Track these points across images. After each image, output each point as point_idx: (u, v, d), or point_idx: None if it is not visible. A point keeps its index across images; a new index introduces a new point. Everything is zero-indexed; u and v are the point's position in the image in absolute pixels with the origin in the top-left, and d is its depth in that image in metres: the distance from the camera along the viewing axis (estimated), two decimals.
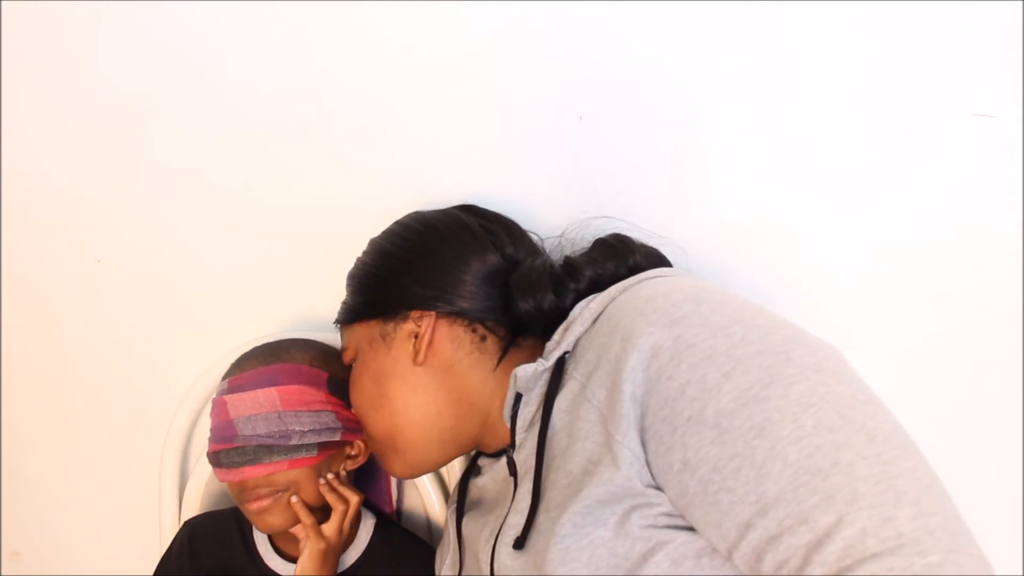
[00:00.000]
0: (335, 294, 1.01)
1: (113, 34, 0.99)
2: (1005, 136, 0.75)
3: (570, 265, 0.74)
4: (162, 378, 1.11)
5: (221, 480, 0.84)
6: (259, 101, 0.96)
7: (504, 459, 0.76)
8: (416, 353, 0.74)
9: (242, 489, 0.83)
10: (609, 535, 0.57)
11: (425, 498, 0.99)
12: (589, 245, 0.79)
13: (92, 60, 1.01)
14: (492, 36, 0.86)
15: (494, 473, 0.78)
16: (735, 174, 0.83)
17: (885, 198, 0.79)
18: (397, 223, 0.82)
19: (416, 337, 0.74)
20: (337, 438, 0.85)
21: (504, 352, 0.74)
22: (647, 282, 0.65)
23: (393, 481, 1.00)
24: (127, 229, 1.07)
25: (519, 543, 0.64)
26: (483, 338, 0.75)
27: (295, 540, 0.88)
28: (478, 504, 0.80)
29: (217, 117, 0.98)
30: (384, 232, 0.82)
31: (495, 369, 0.74)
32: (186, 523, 0.95)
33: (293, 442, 0.82)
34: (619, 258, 0.74)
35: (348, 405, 0.86)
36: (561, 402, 0.65)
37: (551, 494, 0.63)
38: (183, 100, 0.99)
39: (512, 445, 0.71)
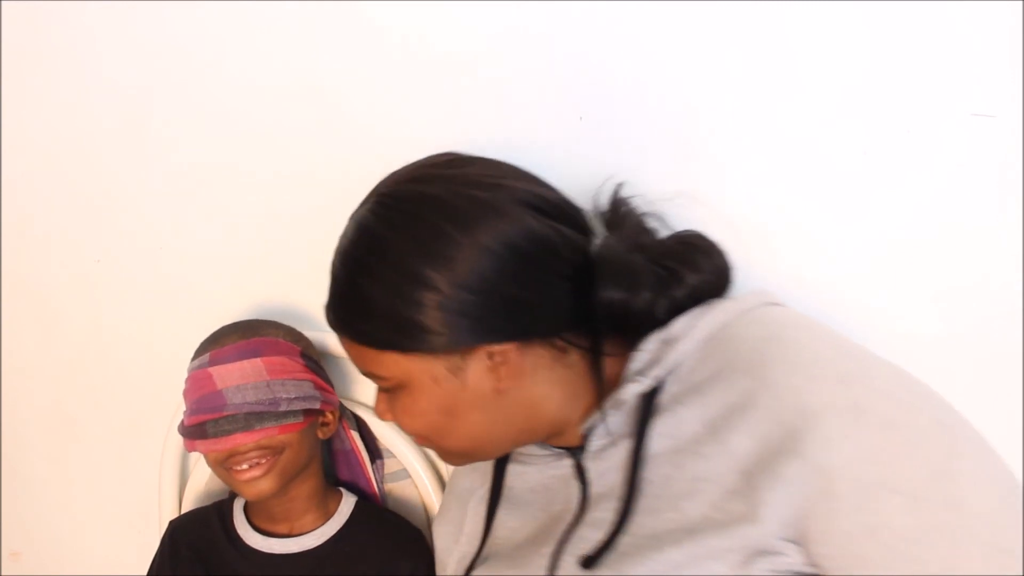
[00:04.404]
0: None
1: (112, 34, 0.99)
2: (1005, 136, 0.75)
3: (670, 270, 0.67)
4: (162, 378, 1.12)
5: (206, 451, 0.85)
6: (259, 101, 0.96)
7: (565, 458, 0.72)
8: (499, 382, 0.66)
9: (231, 455, 0.85)
10: (727, 572, 0.57)
11: (419, 484, 1.00)
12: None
13: (92, 60, 1.01)
14: (492, 36, 0.86)
15: (547, 467, 0.73)
16: (734, 174, 0.83)
17: (885, 198, 0.79)
18: (469, 243, 0.64)
19: (494, 366, 0.66)
20: (317, 406, 0.89)
21: (596, 368, 0.67)
22: (762, 312, 0.64)
23: (369, 466, 1.01)
24: (127, 229, 1.07)
25: (590, 561, 0.62)
26: (563, 350, 0.68)
27: (271, 518, 0.92)
28: (516, 495, 0.76)
29: (217, 117, 0.98)
30: (457, 258, 0.63)
31: (588, 386, 0.69)
32: (169, 524, 0.97)
33: (282, 408, 0.85)
34: (709, 269, 0.69)
35: (322, 377, 0.92)
36: (662, 427, 0.63)
37: (644, 520, 0.61)
38: (183, 100, 0.99)
39: (581, 448, 0.69)
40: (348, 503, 0.95)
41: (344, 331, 0.69)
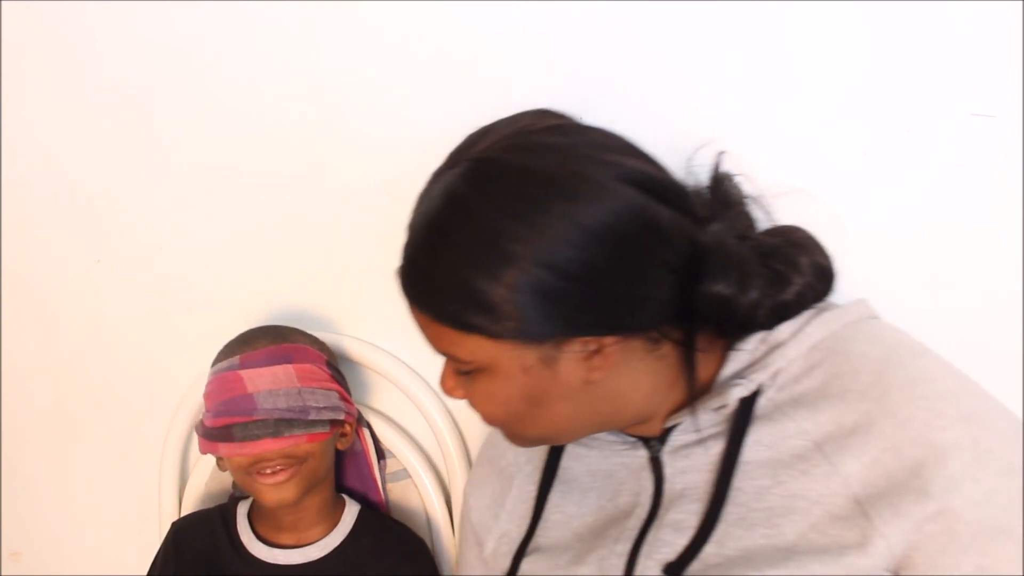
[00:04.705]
0: (337, 293, 1.01)
1: (112, 34, 0.99)
2: (1005, 136, 0.75)
3: (778, 272, 0.64)
4: (162, 378, 1.12)
5: (231, 455, 0.84)
6: (259, 100, 0.96)
7: (640, 448, 0.68)
8: (591, 372, 0.61)
9: (257, 461, 0.84)
10: None
11: (419, 484, 1.00)
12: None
13: (92, 60, 1.01)
14: (492, 36, 0.86)
15: (613, 454, 0.70)
16: (735, 175, 0.83)
17: (885, 198, 0.79)
18: (574, 226, 0.57)
19: (588, 356, 0.61)
20: (342, 417, 0.88)
21: (689, 363, 0.63)
22: (869, 326, 0.63)
23: (376, 467, 1.01)
24: (127, 229, 1.07)
25: (674, 568, 0.61)
26: (657, 341, 0.63)
27: (278, 528, 0.91)
28: (573, 477, 0.72)
29: (217, 116, 0.98)
30: (556, 241, 0.57)
31: (677, 379, 0.65)
32: (172, 524, 0.97)
33: (311, 417, 0.84)
34: (812, 270, 0.65)
35: (344, 387, 0.91)
36: (760, 435, 0.61)
37: (732, 531, 0.60)
38: (183, 100, 0.99)
39: (658, 439, 0.66)
40: (351, 512, 0.94)
41: (422, 307, 0.62)
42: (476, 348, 0.61)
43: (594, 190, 0.57)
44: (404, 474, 1.02)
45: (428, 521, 1.01)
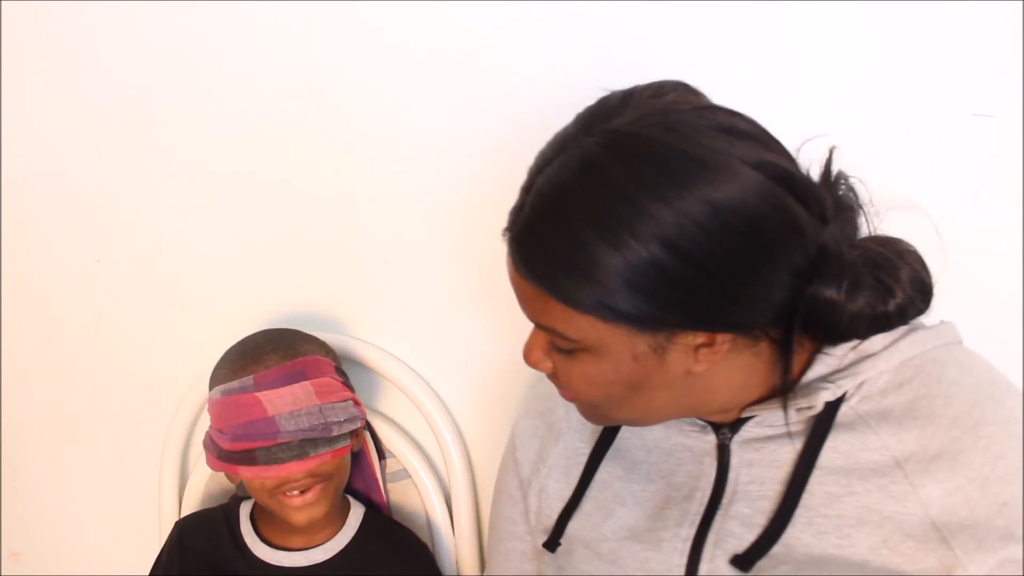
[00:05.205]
0: (336, 292, 1.01)
1: (112, 34, 0.99)
2: (1005, 136, 0.75)
3: (884, 283, 0.62)
4: (162, 378, 1.12)
5: (254, 478, 0.83)
6: (259, 100, 0.96)
7: (709, 433, 0.67)
8: (695, 364, 0.60)
9: (283, 482, 0.83)
10: None
11: (419, 484, 1.00)
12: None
13: (92, 60, 1.01)
14: (493, 35, 0.86)
15: (676, 433, 0.69)
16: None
17: (884, 198, 0.79)
18: (713, 214, 0.54)
19: (697, 348, 0.59)
20: (359, 426, 0.88)
21: (783, 363, 0.62)
22: (960, 352, 0.63)
23: (378, 467, 1.01)
24: (127, 229, 1.07)
25: (743, 562, 0.61)
26: (757, 339, 0.61)
27: (282, 529, 0.90)
28: (626, 447, 0.72)
29: (217, 116, 0.98)
30: (697, 232, 0.54)
31: (766, 377, 0.64)
32: (176, 523, 0.96)
33: (334, 433, 0.84)
34: (912, 284, 0.63)
35: (353, 390, 0.90)
36: (838, 441, 0.61)
37: (801, 536, 0.60)
38: (183, 100, 0.99)
39: (728, 426, 0.66)
40: (356, 514, 0.94)
41: (536, 278, 0.58)
42: (587, 328, 0.58)
43: (739, 181, 0.55)
44: (404, 474, 1.02)
45: (428, 521, 1.01)
